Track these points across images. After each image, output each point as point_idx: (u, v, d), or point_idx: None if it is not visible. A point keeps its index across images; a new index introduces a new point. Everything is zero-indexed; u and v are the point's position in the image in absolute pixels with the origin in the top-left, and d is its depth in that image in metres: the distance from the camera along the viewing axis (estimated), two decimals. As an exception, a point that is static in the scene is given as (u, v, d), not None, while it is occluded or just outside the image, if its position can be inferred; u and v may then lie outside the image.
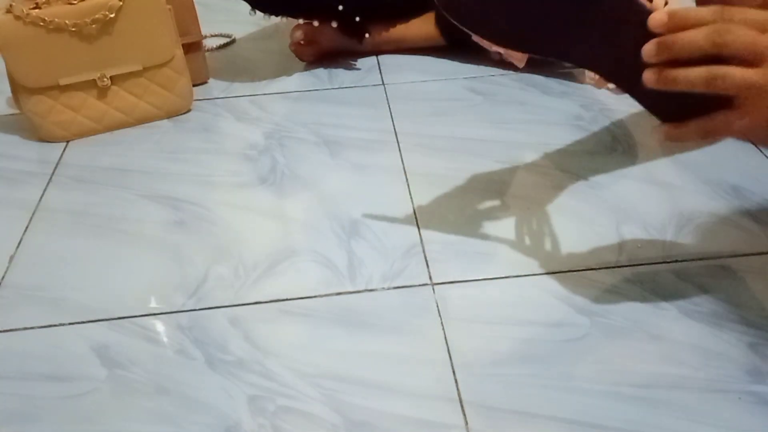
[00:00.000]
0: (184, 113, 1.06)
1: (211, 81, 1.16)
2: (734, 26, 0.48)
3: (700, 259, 0.74)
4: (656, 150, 0.93)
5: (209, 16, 1.28)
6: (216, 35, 1.31)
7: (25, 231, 0.82)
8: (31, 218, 0.84)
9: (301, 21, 1.16)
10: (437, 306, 0.69)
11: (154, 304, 0.71)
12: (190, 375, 0.63)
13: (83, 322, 0.69)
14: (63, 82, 0.96)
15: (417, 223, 0.80)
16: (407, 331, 0.67)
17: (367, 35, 1.18)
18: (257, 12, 1.12)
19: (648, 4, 0.54)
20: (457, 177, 0.88)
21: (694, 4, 0.62)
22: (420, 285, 0.72)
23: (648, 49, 0.50)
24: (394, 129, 1.00)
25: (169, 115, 1.05)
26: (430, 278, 0.73)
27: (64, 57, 0.95)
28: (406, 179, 0.88)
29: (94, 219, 0.84)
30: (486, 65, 1.16)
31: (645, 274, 0.72)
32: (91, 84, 0.99)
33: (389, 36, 1.20)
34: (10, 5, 0.91)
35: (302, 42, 1.17)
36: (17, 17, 0.91)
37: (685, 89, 0.50)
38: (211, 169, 0.92)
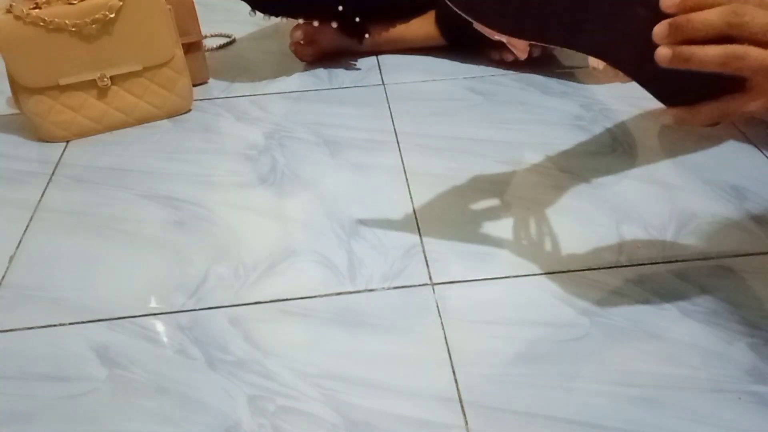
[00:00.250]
0: (184, 113, 1.06)
1: (211, 81, 1.16)
2: (750, 7, 0.47)
3: (700, 259, 0.74)
4: (656, 150, 0.93)
5: (209, 16, 1.28)
6: (216, 35, 1.31)
7: (25, 231, 0.82)
8: (31, 218, 0.84)
9: (300, 21, 1.16)
10: (437, 306, 0.69)
11: (154, 304, 0.71)
12: (190, 375, 0.63)
13: (83, 322, 0.69)
14: (63, 82, 0.96)
15: (417, 223, 0.80)
16: (407, 331, 0.67)
17: (366, 35, 1.18)
18: (257, 12, 1.12)
19: None
20: (457, 177, 0.88)
21: None
22: (420, 285, 0.72)
23: (659, 30, 0.48)
24: (394, 129, 1.00)
25: (169, 115, 1.05)
26: (430, 278, 0.73)
27: (64, 57, 0.95)
28: (406, 179, 0.88)
29: (94, 219, 0.84)
30: (486, 65, 1.16)
31: (645, 274, 0.72)
32: (91, 84, 0.99)
33: (389, 36, 1.20)
34: (10, 5, 0.91)
35: (302, 42, 1.17)
36: (17, 17, 0.91)
37: (699, 68, 0.48)
38: (211, 169, 0.92)
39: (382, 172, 0.90)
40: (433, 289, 0.71)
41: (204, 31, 1.15)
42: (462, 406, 0.59)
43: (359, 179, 0.89)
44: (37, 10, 0.92)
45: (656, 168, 0.89)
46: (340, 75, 1.16)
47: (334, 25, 1.14)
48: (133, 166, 0.94)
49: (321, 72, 1.17)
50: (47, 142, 0.99)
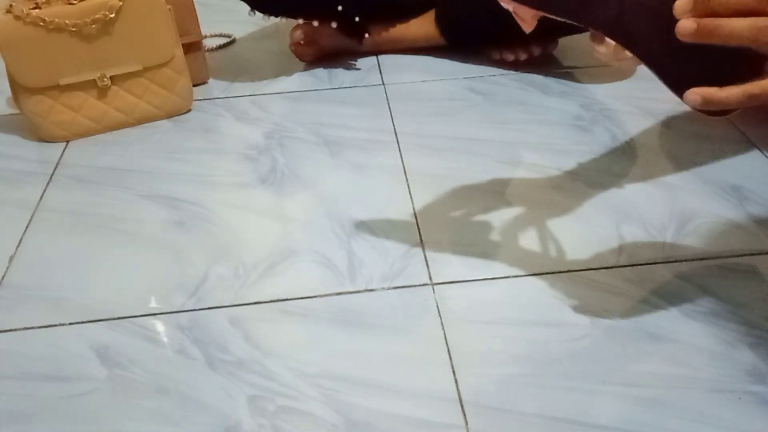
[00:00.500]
0: (184, 113, 1.06)
1: (211, 81, 1.16)
2: None
3: (700, 259, 0.74)
4: (656, 150, 0.93)
5: (209, 16, 1.28)
6: (216, 35, 1.31)
7: (25, 231, 0.82)
8: (31, 218, 0.84)
9: (300, 21, 1.16)
10: (437, 306, 0.69)
11: (154, 304, 0.71)
12: (190, 375, 0.63)
13: (83, 322, 0.69)
14: (63, 82, 0.96)
15: (417, 223, 0.80)
16: (407, 331, 0.67)
17: (366, 35, 1.18)
18: (256, 13, 1.12)
19: None
20: (457, 177, 0.88)
21: None
22: (420, 285, 0.72)
23: (682, 3, 0.45)
24: (394, 129, 1.00)
25: (169, 115, 1.05)
26: (430, 278, 0.73)
27: (64, 57, 0.95)
28: (406, 179, 0.88)
29: (94, 219, 0.84)
30: (486, 65, 1.16)
31: (645, 274, 0.72)
32: (91, 84, 0.99)
33: (389, 36, 1.20)
34: (10, 5, 0.91)
35: (302, 42, 1.17)
36: (17, 17, 0.91)
37: (726, 42, 0.45)
38: (211, 169, 0.92)
39: (382, 172, 0.90)
40: (433, 289, 0.71)
41: (204, 31, 1.15)
42: (462, 406, 0.59)
43: (359, 179, 0.89)
44: (37, 10, 0.92)
45: (656, 168, 0.89)
46: (340, 75, 1.16)
47: (334, 25, 1.14)
48: (133, 166, 0.94)
49: (321, 72, 1.17)
50: (47, 142, 0.99)
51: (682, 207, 0.81)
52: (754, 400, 0.59)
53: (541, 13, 0.56)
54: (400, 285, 0.72)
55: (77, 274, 0.75)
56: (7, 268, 0.77)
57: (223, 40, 1.30)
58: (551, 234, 0.78)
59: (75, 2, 0.94)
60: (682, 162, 0.89)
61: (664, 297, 0.69)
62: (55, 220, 0.84)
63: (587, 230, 0.78)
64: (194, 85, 1.08)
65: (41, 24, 0.92)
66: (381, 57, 1.21)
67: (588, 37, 0.67)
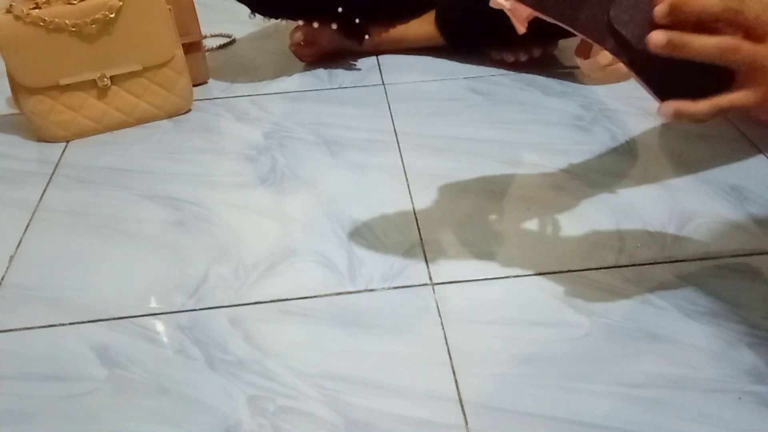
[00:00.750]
0: (184, 113, 1.06)
1: (211, 81, 1.16)
2: None
3: (700, 259, 0.74)
4: (656, 150, 0.93)
5: (209, 16, 1.28)
6: (216, 35, 1.31)
7: (25, 231, 0.82)
8: (31, 218, 0.84)
9: (300, 22, 1.16)
10: (437, 306, 0.69)
11: (154, 304, 0.71)
12: (190, 375, 0.63)
13: (83, 322, 0.69)
14: (63, 82, 0.96)
15: (417, 223, 0.80)
16: (407, 331, 0.67)
17: (366, 36, 1.18)
18: (257, 15, 1.12)
19: None
20: (457, 177, 0.88)
21: None
22: (420, 285, 0.72)
23: (660, 8, 0.49)
24: (394, 129, 1.00)
25: (169, 115, 1.05)
26: (430, 278, 0.73)
27: (64, 57, 0.95)
28: (406, 179, 0.88)
29: (94, 219, 0.84)
30: (486, 65, 1.16)
31: (645, 274, 0.72)
32: (91, 84, 0.99)
33: (389, 36, 1.20)
34: (10, 5, 0.91)
35: (302, 43, 1.17)
36: (17, 17, 0.91)
37: (692, 56, 0.49)
38: (211, 169, 0.92)
39: (382, 172, 0.90)
40: (433, 289, 0.71)
41: (204, 31, 1.15)
42: (462, 406, 0.59)
43: (359, 179, 0.89)
44: (37, 10, 0.92)
45: (656, 168, 0.89)
46: (340, 75, 1.16)
47: (334, 26, 1.14)
48: (133, 166, 0.94)
49: (321, 72, 1.17)
50: (47, 142, 0.99)
51: (682, 207, 0.81)
52: (754, 400, 0.59)
53: (535, 14, 0.57)
54: (400, 285, 0.72)
55: (77, 274, 0.75)
56: (7, 268, 0.77)
57: (223, 40, 1.30)
58: (551, 234, 0.78)
59: (75, 2, 0.94)
60: (682, 162, 0.89)
61: (664, 297, 0.69)
62: (55, 220, 0.84)
63: (587, 230, 0.78)
64: (194, 85, 1.08)
65: (41, 24, 0.92)
66: (381, 57, 1.21)
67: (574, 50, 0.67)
